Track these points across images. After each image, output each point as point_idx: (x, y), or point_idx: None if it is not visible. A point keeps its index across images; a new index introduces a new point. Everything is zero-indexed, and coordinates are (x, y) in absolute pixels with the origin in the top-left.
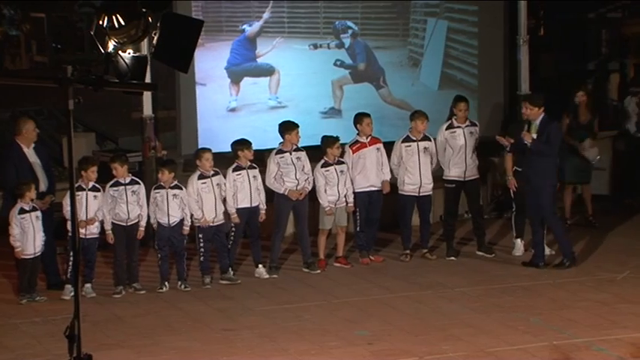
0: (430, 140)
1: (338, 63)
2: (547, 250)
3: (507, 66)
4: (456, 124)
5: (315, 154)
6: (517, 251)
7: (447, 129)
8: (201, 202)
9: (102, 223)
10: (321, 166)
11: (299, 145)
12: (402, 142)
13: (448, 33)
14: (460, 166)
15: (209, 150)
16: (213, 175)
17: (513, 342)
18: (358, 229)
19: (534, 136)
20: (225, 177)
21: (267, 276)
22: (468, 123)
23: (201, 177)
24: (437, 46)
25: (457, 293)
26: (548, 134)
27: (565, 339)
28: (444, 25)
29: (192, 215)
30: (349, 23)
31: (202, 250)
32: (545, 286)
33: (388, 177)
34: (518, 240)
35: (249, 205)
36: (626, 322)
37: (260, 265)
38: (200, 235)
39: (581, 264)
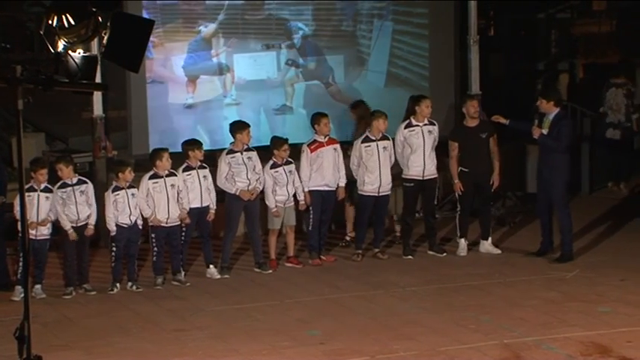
0: (389, 139)
1: (289, 62)
2: (495, 250)
3: (458, 66)
4: (414, 122)
5: (268, 154)
6: (461, 251)
7: (405, 128)
8: (152, 201)
9: (55, 224)
10: (270, 167)
11: (250, 145)
12: (362, 142)
13: (394, 34)
14: (419, 165)
15: (167, 150)
16: (167, 176)
17: (464, 341)
18: (310, 228)
19: (544, 131)
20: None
21: (218, 276)
22: (426, 122)
23: (154, 177)
24: (383, 46)
25: (408, 292)
26: (558, 130)
27: (515, 337)
28: (391, 26)
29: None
30: (300, 24)
31: (155, 250)
32: (495, 285)
33: (344, 182)
34: (462, 240)
35: (199, 205)
36: (576, 321)
37: (211, 266)
38: (153, 236)
39: (531, 263)
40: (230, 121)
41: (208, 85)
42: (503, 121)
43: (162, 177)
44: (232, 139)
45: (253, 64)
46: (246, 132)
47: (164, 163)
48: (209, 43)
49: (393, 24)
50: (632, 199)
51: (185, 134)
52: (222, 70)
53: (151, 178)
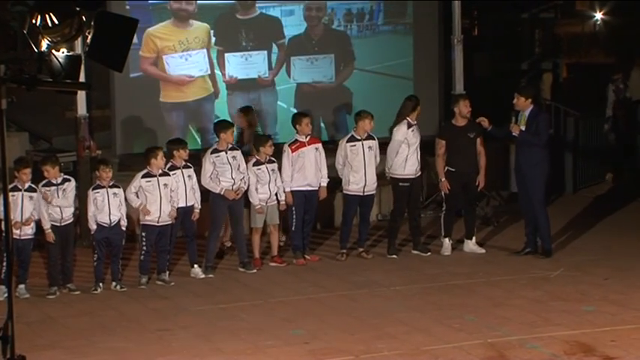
0: (374, 139)
1: (280, 61)
2: (479, 249)
3: (442, 66)
4: (412, 122)
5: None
6: (445, 250)
7: (408, 128)
8: (145, 200)
9: (37, 223)
10: (253, 165)
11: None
12: (347, 141)
13: (381, 34)
14: (415, 164)
15: (161, 148)
16: (161, 175)
17: (448, 340)
18: (294, 228)
19: (523, 127)
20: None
21: (202, 276)
22: (415, 121)
23: (147, 175)
24: (372, 46)
25: (392, 292)
26: (536, 125)
27: (499, 337)
28: (379, 26)
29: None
30: (291, 24)
31: (144, 249)
32: (479, 284)
33: (325, 182)
34: (447, 239)
35: (183, 205)
36: (560, 320)
37: (195, 265)
38: (143, 234)
39: (515, 262)
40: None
41: (199, 83)
42: (485, 125)
43: (155, 176)
44: (216, 139)
45: (244, 63)
46: (230, 131)
47: (159, 162)
48: (200, 42)
49: (382, 24)
50: (615, 198)
51: (176, 133)
52: (213, 68)
53: (144, 176)
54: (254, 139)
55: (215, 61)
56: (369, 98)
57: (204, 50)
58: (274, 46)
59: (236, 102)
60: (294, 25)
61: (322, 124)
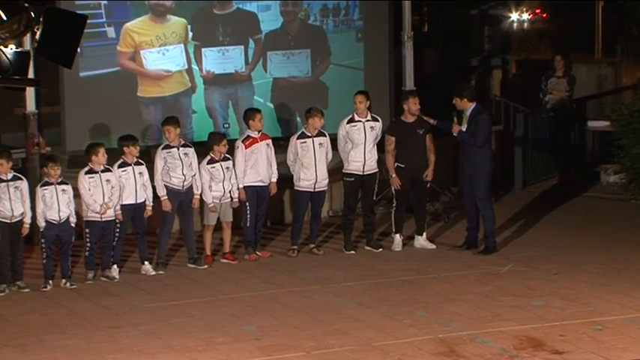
0: (325, 136)
1: (257, 56)
2: (430, 245)
3: (392, 62)
4: (357, 118)
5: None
6: (396, 246)
7: (347, 123)
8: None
9: None
10: (207, 163)
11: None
12: (298, 138)
13: (356, 29)
14: (359, 160)
15: (103, 145)
16: (103, 171)
17: (399, 335)
18: (248, 224)
19: (463, 127)
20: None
21: (153, 272)
22: (369, 117)
23: (90, 172)
24: (346, 41)
25: (344, 288)
26: (475, 125)
27: (450, 332)
28: (353, 21)
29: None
30: (267, 19)
31: (88, 245)
32: (430, 280)
33: (275, 178)
34: (397, 235)
35: (134, 202)
36: (509, 315)
37: (146, 262)
38: (87, 230)
39: (465, 258)
40: (198, 115)
41: (177, 78)
42: (431, 121)
43: (97, 172)
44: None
45: (221, 57)
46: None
47: (99, 158)
48: (177, 37)
49: (357, 19)
50: (563, 194)
51: (153, 127)
52: (190, 63)
53: (87, 173)
54: (209, 136)
55: (192, 55)
56: (345, 93)
57: (182, 45)
58: (251, 41)
59: (213, 96)
60: (270, 20)
61: (298, 119)
